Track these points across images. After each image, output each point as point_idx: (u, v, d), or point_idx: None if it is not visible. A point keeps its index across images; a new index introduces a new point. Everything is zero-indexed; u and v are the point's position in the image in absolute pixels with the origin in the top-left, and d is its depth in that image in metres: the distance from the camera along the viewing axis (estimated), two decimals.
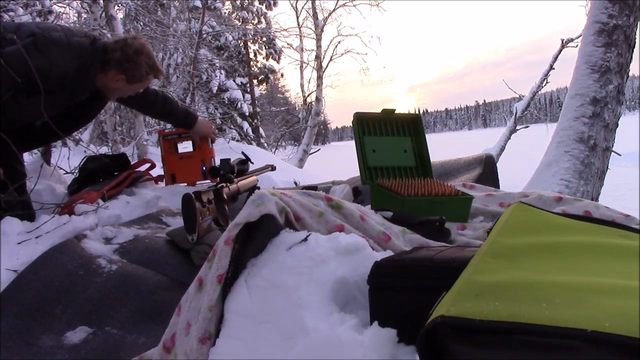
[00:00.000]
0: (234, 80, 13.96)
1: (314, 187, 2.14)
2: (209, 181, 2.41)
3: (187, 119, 2.35)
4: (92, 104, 2.01)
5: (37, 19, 6.83)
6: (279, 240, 0.82)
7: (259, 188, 1.16)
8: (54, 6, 6.69)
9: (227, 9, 14.17)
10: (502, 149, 7.90)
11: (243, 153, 2.11)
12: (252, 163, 2.11)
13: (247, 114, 14.10)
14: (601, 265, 0.58)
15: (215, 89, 12.88)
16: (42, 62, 1.65)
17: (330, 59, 11.88)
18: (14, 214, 1.71)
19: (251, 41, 15.16)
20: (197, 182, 2.48)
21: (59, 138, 2.20)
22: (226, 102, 13.37)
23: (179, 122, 2.37)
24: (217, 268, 0.79)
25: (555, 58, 7.71)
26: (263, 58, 16.16)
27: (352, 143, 1.91)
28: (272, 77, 17.22)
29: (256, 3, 14.89)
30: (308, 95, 12.64)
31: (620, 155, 3.87)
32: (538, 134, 8.08)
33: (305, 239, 0.79)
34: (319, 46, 11.63)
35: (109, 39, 1.96)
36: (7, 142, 1.62)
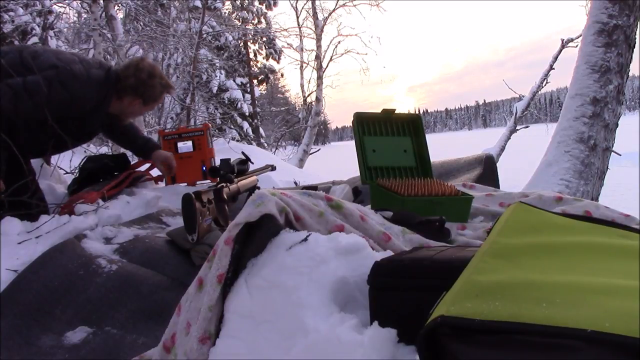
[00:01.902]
0: (234, 80, 13.96)
1: (314, 187, 2.14)
2: (209, 181, 2.41)
3: (143, 150, 2.26)
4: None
5: (37, 19, 6.82)
6: (279, 240, 0.82)
7: (259, 188, 1.16)
8: (54, 6, 6.69)
9: (227, 9, 14.17)
10: (502, 149, 7.90)
11: (243, 153, 2.11)
12: (252, 163, 2.11)
13: (247, 114, 14.10)
14: (601, 265, 0.58)
15: (215, 89, 12.88)
16: (64, 96, 1.71)
17: (330, 59, 11.89)
18: (30, 212, 1.72)
19: (251, 41, 15.16)
20: (197, 182, 2.48)
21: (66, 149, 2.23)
22: (226, 102, 13.36)
23: (135, 151, 2.30)
24: (217, 268, 0.79)
25: (555, 58, 7.71)
26: (263, 58, 16.16)
27: (352, 143, 1.91)
28: (272, 77, 17.22)
29: (256, 3, 14.89)
30: (308, 95, 12.65)
31: (620, 155, 3.87)
32: (538, 134, 8.08)
33: (305, 239, 0.79)
34: (319, 46, 11.64)
35: (118, 65, 2.02)
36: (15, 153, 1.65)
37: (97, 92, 1.82)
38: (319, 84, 11.46)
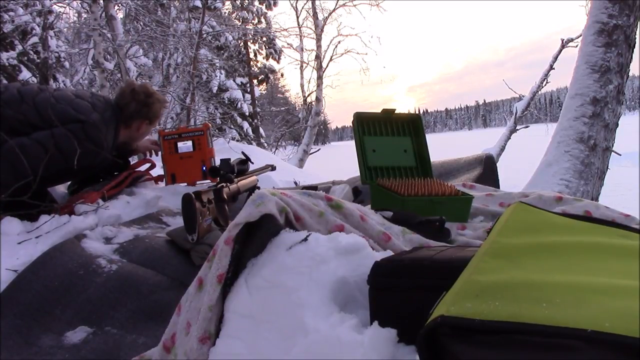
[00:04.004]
0: (234, 80, 13.96)
1: (314, 187, 2.14)
2: (209, 181, 2.41)
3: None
4: None
5: (37, 19, 6.83)
6: (279, 240, 0.82)
7: (259, 188, 1.16)
8: (54, 6, 6.70)
9: (227, 9, 14.16)
10: (502, 149, 7.90)
11: (243, 153, 2.11)
12: (252, 163, 2.11)
13: (247, 114, 14.11)
14: (601, 265, 0.58)
15: (215, 89, 12.89)
16: (91, 148, 1.81)
17: (330, 59, 11.89)
18: (39, 210, 1.74)
19: (251, 41, 15.16)
20: (197, 182, 2.48)
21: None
22: (226, 102, 13.37)
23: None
24: (217, 268, 0.79)
25: (555, 58, 7.71)
26: (263, 58, 16.17)
27: (352, 143, 1.91)
28: (272, 77, 17.22)
29: (256, 3, 14.89)
30: (308, 95, 12.65)
31: (620, 155, 3.87)
32: (538, 134, 8.09)
33: (305, 239, 0.79)
34: (319, 46, 11.64)
35: (113, 95, 2.07)
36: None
37: (112, 134, 1.93)
38: (319, 84, 11.46)
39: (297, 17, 12.35)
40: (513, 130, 7.93)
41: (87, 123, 1.80)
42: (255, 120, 14.53)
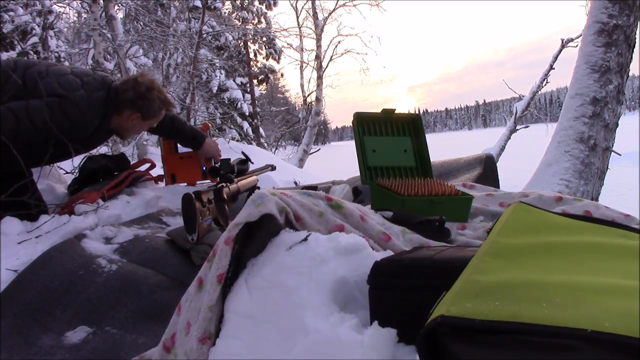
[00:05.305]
0: (234, 80, 13.96)
1: (314, 187, 2.14)
2: (209, 181, 2.41)
3: (195, 139, 2.35)
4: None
5: (37, 19, 6.83)
6: (279, 240, 0.82)
7: (259, 188, 1.16)
8: (54, 6, 6.70)
9: (227, 9, 14.16)
10: (502, 149, 7.91)
11: (243, 153, 2.11)
12: (252, 163, 2.11)
13: (247, 114, 14.11)
14: (601, 265, 0.58)
15: (215, 89, 12.89)
16: (65, 124, 1.74)
17: (330, 59, 11.88)
18: (30, 212, 1.72)
19: (251, 41, 15.15)
20: (197, 182, 2.48)
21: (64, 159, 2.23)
22: (226, 102, 13.37)
23: (186, 143, 2.38)
24: (217, 268, 0.79)
25: (555, 58, 7.72)
26: (263, 58, 16.16)
27: (352, 143, 1.91)
28: (272, 77, 17.22)
29: (256, 3, 14.89)
30: (308, 95, 12.64)
31: (620, 155, 3.87)
32: (538, 134, 8.08)
33: (305, 239, 0.79)
34: (319, 46, 11.63)
35: (117, 80, 2.00)
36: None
37: (98, 115, 1.86)
38: (319, 84, 11.45)
39: (297, 17, 12.36)
40: (513, 130, 7.94)
41: (65, 98, 1.75)
42: (255, 120, 14.53)
